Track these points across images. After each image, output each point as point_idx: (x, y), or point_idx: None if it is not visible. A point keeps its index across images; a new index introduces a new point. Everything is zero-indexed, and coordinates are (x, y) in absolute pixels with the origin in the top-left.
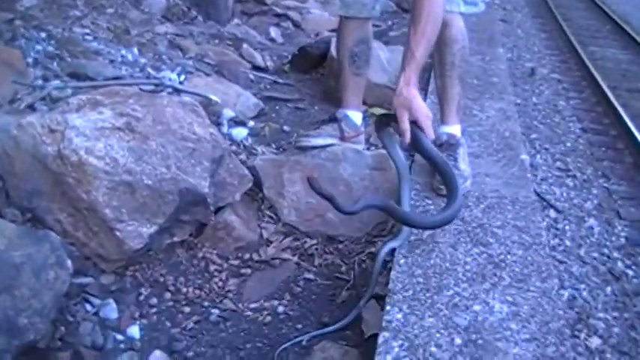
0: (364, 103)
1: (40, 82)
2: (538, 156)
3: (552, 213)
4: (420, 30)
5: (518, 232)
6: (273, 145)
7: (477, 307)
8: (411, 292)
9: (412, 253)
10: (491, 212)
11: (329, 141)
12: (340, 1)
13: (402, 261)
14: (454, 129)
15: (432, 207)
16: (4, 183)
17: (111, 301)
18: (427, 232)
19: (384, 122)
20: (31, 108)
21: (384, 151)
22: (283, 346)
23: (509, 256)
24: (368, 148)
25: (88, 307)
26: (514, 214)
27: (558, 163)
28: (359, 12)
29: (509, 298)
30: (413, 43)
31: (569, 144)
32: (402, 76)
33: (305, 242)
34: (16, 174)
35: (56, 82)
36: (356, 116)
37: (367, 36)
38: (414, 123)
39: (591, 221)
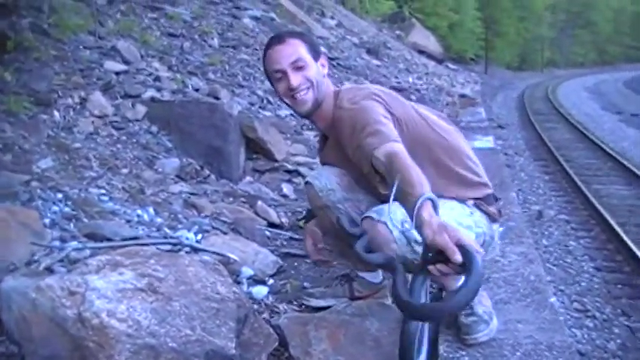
0: None
1: (57, 243)
2: (554, 298)
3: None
4: (409, 184)
5: None
6: (295, 303)
7: None
8: None
9: None
10: None
11: (331, 302)
12: None
13: None
14: None
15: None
16: (20, 349)
17: None
18: None
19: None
20: (49, 270)
21: None
22: None
23: None
24: (392, 302)
25: None
26: None
27: (576, 304)
28: None
29: None
30: (415, 191)
31: (584, 284)
32: (421, 211)
33: None
34: (33, 339)
35: (74, 243)
36: (371, 276)
37: None
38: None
39: None
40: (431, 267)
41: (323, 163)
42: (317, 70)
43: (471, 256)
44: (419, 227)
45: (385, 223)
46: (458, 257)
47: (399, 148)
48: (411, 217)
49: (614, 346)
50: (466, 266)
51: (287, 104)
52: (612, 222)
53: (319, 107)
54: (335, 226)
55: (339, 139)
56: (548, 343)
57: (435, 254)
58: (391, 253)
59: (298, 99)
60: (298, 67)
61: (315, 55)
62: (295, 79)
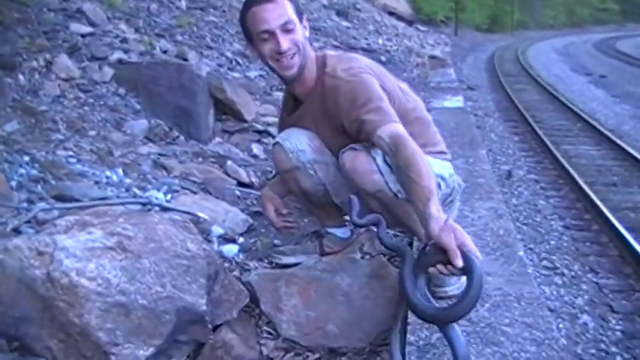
0: None
1: (24, 205)
2: (522, 252)
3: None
4: (417, 172)
5: (528, 328)
6: (266, 261)
7: None
8: None
9: (423, 359)
10: (498, 310)
11: (302, 259)
12: None
13: None
14: None
15: None
16: None
17: None
18: (436, 335)
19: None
20: (17, 231)
21: (381, 259)
22: None
23: (522, 354)
24: (362, 257)
25: None
26: (521, 310)
27: (545, 262)
28: None
29: None
30: (423, 182)
31: (553, 242)
32: (430, 206)
33: (307, 357)
34: (2, 301)
35: (42, 204)
36: (340, 231)
37: None
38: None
39: (585, 317)
40: (431, 269)
41: (287, 127)
42: (302, 32)
43: (473, 263)
44: (425, 220)
45: (368, 150)
46: (459, 262)
47: (402, 130)
48: (418, 210)
49: (581, 301)
50: (467, 272)
51: (270, 66)
52: (581, 181)
53: (302, 72)
54: (302, 187)
55: (328, 108)
56: (516, 294)
57: (436, 251)
58: (372, 187)
59: (285, 63)
60: (287, 30)
61: (300, 15)
62: (285, 42)
